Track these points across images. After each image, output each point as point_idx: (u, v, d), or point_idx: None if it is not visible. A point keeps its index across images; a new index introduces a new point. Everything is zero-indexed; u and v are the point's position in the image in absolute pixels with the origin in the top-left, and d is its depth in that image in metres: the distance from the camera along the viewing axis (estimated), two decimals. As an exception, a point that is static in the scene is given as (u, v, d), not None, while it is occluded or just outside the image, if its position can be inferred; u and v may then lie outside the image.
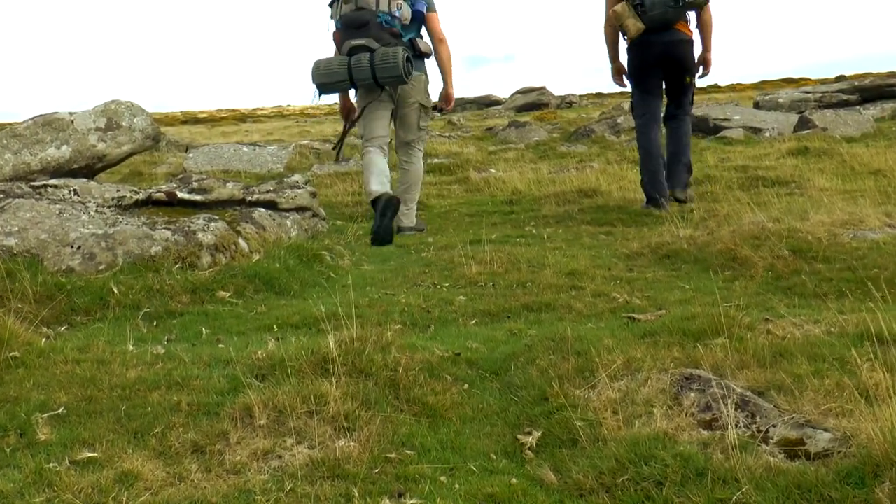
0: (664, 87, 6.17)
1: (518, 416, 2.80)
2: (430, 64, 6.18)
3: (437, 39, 5.98)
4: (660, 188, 6.26)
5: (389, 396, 2.87)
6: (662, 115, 6.37)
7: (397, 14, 5.65)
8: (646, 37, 5.83)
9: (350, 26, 5.62)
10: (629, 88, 6.52)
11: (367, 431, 2.59)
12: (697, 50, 6.28)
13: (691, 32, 5.98)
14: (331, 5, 5.90)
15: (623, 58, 6.42)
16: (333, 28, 5.89)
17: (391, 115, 6.14)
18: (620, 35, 6.06)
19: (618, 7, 5.77)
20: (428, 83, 6.24)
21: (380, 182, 5.93)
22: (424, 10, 5.89)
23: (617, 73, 6.52)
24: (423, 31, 6.11)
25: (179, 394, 2.88)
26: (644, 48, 5.90)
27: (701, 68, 6.24)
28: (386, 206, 5.81)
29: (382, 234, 5.88)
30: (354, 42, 5.64)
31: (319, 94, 5.95)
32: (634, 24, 5.72)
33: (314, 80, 5.82)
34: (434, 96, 6.44)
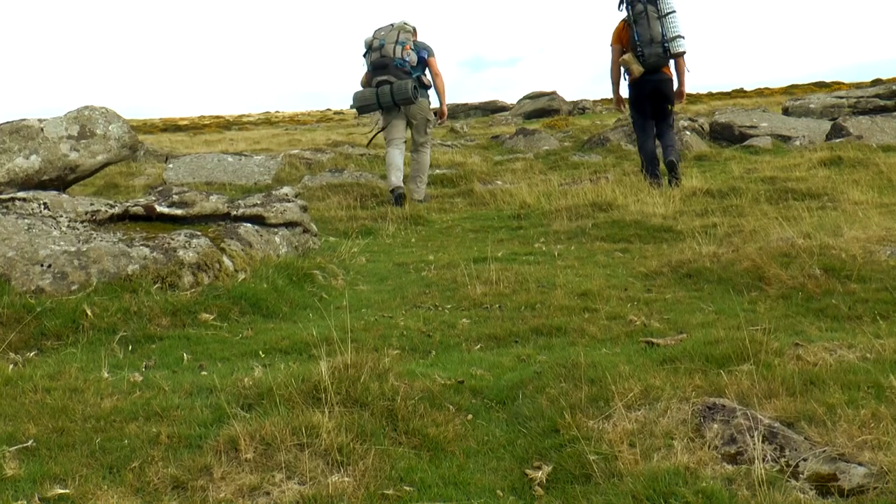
0: (653, 111, 9.27)
1: (526, 450, 2.81)
2: (431, 93, 9.90)
3: (434, 74, 9.63)
4: (656, 177, 9.10)
5: (387, 428, 2.88)
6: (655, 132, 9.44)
7: (407, 59, 9.29)
8: (643, 77, 8.94)
9: (377, 68, 9.33)
10: (626, 113, 9.95)
11: (362, 466, 2.60)
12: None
13: (671, 74, 9.10)
14: (364, 56, 9.52)
15: (623, 92, 9.65)
16: (365, 70, 9.55)
17: (405, 125, 9.80)
18: (622, 75, 9.18)
19: (626, 56, 8.87)
20: (430, 104, 9.80)
21: (396, 177, 9.52)
22: (426, 56, 9.52)
23: (617, 102, 9.96)
24: (427, 71, 9.68)
25: (159, 425, 2.89)
26: (641, 85, 9.02)
27: (676, 99, 9.36)
28: (399, 196, 9.38)
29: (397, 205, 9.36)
30: (380, 78, 9.33)
31: (359, 114, 10.50)
32: (637, 69, 8.86)
33: (354, 104, 9.53)
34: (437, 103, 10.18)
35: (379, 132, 10.02)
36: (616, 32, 9.15)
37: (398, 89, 9.19)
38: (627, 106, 9.67)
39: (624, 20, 9.02)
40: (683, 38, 8.84)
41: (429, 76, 9.63)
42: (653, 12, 8.76)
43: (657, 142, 9.44)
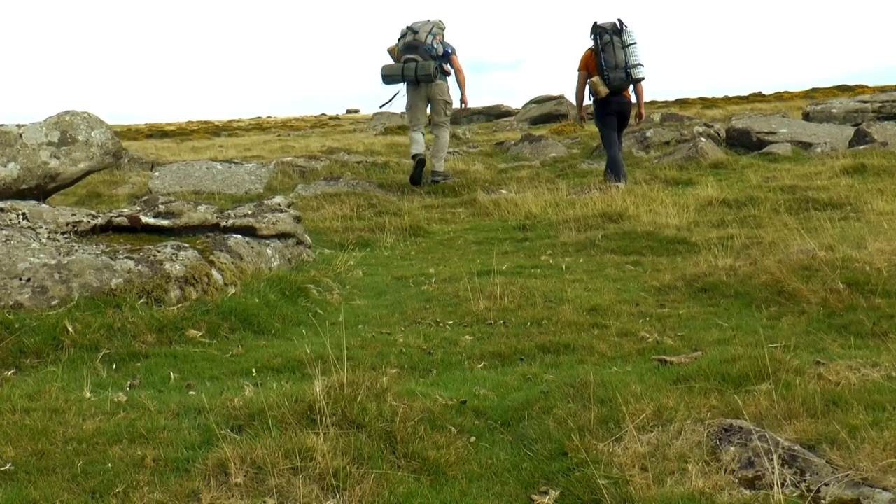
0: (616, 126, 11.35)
1: (532, 474, 2.82)
2: (451, 80, 11.96)
3: (457, 70, 11.75)
4: (621, 177, 10.89)
5: (385, 451, 2.88)
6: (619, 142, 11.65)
7: (435, 46, 11.39)
8: (608, 98, 10.92)
9: (408, 49, 11.41)
10: (586, 127, 13.51)
11: (358, 491, 2.60)
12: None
13: (631, 96, 11.17)
14: (399, 40, 11.56)
15: (586, 110, 12.13)
16: (397, 49, 11.55)
17: (426, 107, 11.76)
18: (587, 94, 11.19)
19: (595, 79, 10.83)
20: (449, 89, 11.79)
21: (417, 148, 11.55)
22: (451, 53, 11.61)
23: (581, 119, 12.70)
24: (449, 65, 11.79)
25: (144, 448, 2.90)
26: (607, 104, 11.03)
27: (635, 118, 11.56)
28: (419, 162, 11.50)
29: (415, 178, 11.66)
30: (408, 56, 11.37)
31: (384, 83, 11.65)
32: (603, 90, 10.82)
33: (382, 72, 11.46)
34: (455, 102, 12.11)
35: (392, 99, 12.36)
36: (584, 59, 11.13)
37: (421, 68, 11.24)
38: (589, 121, 12.37)
39: (591, 49, 11.00)
40: (643, 65, 10.92)
41: (449, 67, 11.73)
42: (618, 43, 10.76)
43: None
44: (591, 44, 11.01)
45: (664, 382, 3.33)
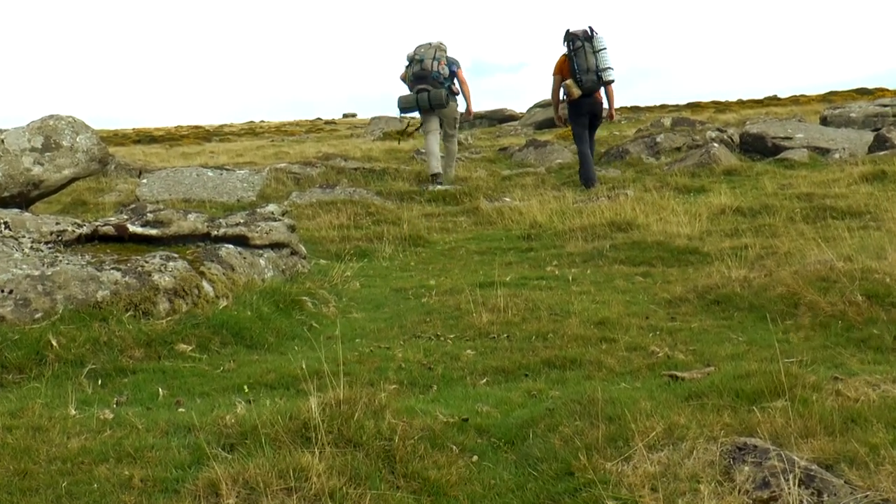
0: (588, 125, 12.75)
1: (537, 494, 2.82)
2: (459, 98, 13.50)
3: (461, 83, 13.25)
4: (593, 178, 12.23)
5: (383, 470, 2.89)
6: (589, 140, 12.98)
7: (442, 72, 12.82)
8: (580, 99, 12.31)
9: (418, 78, 12.89)
10: (565, 127, 14.42)
11: (356, 512, 2.60)
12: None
13: (602, 98, 12.60)
14: (406, 68, 13.11)
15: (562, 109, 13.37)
16: (408, 77, 13.07)
17: (439, 122, 13.26)
18: (561, 95, 12.67)
19: (569, 81, 12.23)
20: (458, 107, 13.40)
21: (435, 164, 12.97)
22: (455, 69, 13.08)
23: (558, 119, 13.78)
24: (455, 80, 13.30)
25: (131, 467, 2.90)
26: (580, 105, 12.41)
27: (606, 119, 13.43)
28: (437, 175, 12.80)
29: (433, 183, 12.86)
30: (420, 86, 12.87)
31: (401, 114, 13.89)
32: (576, 91, 12.22)
33: (399, 105, 13.14)
34: (461, 106, 13.74)
35: (417, 129, 14.53)
36: (558, 64, 12.57)
37: (434, 97, 12.76)
38: (565, 121, 13.59)
39: (565, 55, 12.42)
40: (613, 69, 12.34)
41: (457, 84, 13.27)
42: (589, 48, 12.19)
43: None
44: (564, 50, 12.45)
45: (675, 399, 3.34)
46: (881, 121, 17.20)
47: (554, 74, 12.72)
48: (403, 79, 13.32)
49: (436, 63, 12.92)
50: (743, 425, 2.98)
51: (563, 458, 2.95)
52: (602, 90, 12.57)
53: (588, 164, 12.46)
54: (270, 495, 2.64)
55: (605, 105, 12.86)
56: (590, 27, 12.34)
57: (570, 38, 12.32)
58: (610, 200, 9.93)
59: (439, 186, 12.72)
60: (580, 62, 12.18)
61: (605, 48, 12.30)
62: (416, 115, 13.90)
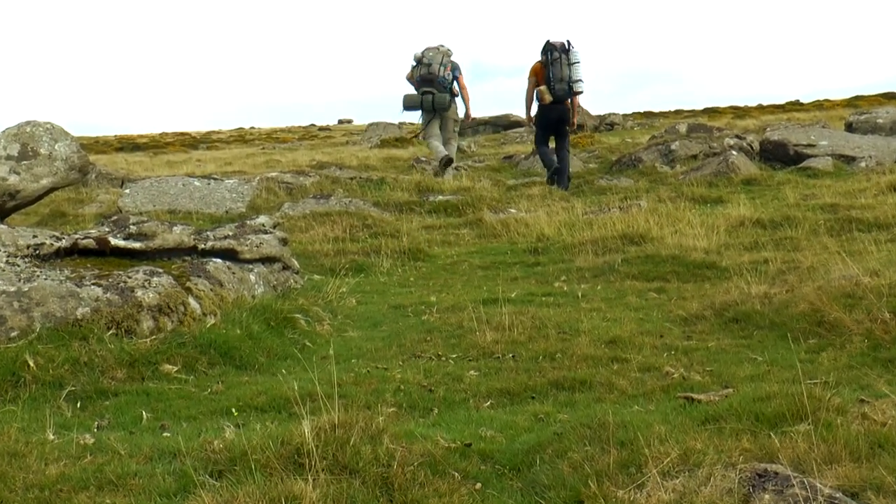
0: (555, 131, 14.39)
1: (545, 525, 2.82)
2: (458, 100, 15.30)
3: (462, 88, 15.06)
4: (559, 181, 13.68)
5: (381, 498, 2.89)
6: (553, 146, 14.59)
7: (447, 77, 14.51)
8: (551, 105, 13.89)
9: (424, 81, 14.53)
10: (536, 128, 15.17)
11: (351, 543, 2.60)
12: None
13: (570, 106, 14.14)
14: (413, 69, 14.72)
15: (533, 112, 14.79)
16: (414, 77, 14.74)
17: (439, 125, 14.93)
18: (534, 100, 14.16)
19: (542, 87, 13.78)
20: (458, 109, 15.12)
21: (440, 152, 14.56)
22: (457, 74, 14.82)
23: (529, 120, 15.15)
24: (456, 84, 15.13)
25: (113, 495, 2.91)
26: (549, 110, 14.00)
27: (569, 126, 14.61)
28: (446, 162, 14.42)
29: (437, 174, 14.38)
30: (425, 89, 14.54)
31: (403, 111, 15.47)
32: (548, 97, 13.76)
33: (404, 103, 14.86)
34: (460, 111, 15.53)
35: (421, 132, 15.80)
36: (534, 69, 14.06)
37: (438, 101, 14.56)
38: (533, 122, 14.98)
39: (541, 62, 13.91)
40: (583, 82, 14.09)
41: (457, 87, 14.92)
42: (565, 60, 13.72)
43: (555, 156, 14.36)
44: (540, 57, 13.96)
45: (691, 423, 3.34)
46: (910, 127, 17.18)
47: (529, 77, 14.28)
48: (409, 78, 14.89)
49: (442, 69, 14.62)
50: (763, 451, 2.98)
51: (572, 485, 2.95)
52: (570, 100, 14.13)
53: (547, 158, 14.14)
54: (261, 525, 2.65)
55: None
56: (567, 41, 13.96)
57: (549, 48, 13.89)
58: (622, 212, 9.93)
59: (454, 171, 14.51)
60: (555, 71, 13.76)
61: (578, 62, 14.00)
62: (417, 115, 15.43)
